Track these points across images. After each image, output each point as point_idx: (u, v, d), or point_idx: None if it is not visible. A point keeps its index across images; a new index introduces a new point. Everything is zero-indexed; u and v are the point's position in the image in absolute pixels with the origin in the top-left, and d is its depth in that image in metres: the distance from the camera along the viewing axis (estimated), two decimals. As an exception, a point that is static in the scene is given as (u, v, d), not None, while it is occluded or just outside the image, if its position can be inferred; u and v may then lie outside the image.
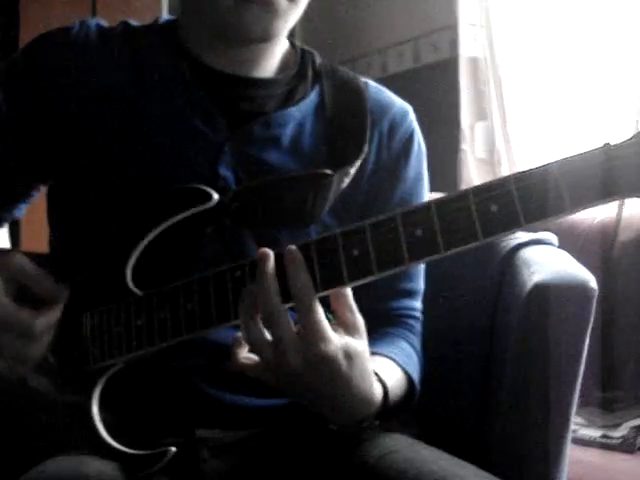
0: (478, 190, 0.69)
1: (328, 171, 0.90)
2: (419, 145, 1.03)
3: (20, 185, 1.05)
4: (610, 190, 0.65)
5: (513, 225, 0.68)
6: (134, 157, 0.93)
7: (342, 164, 0.93)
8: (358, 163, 0.94)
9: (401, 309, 1.01)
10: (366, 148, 0.95)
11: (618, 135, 0.66)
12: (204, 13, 0.92)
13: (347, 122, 0.97)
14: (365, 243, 0.72)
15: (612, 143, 0.65)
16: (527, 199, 0.67)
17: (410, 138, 1.02)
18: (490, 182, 0.69)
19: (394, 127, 1.01)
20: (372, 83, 1.04)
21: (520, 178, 0.68)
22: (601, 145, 0.66)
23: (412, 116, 1.04)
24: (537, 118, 2.55)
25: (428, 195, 1.05)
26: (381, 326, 0.97)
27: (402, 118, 1.02)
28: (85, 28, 0.98)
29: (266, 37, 0.91)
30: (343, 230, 0.74)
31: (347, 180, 0.93)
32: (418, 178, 1.03)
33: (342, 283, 0.74)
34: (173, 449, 0.82)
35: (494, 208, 0.68)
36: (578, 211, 0.66)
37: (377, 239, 0.72)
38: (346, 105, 0.99)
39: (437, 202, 0.71)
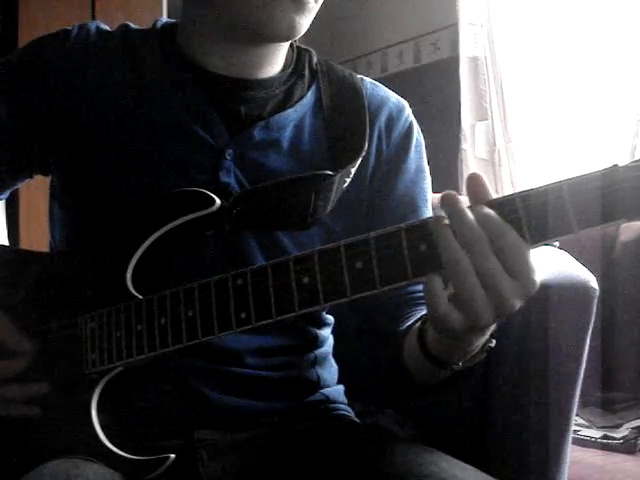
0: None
1: (329, 172, 0.90)
2: (418, 137, 1.02)
3: (9, 179, 1.05)
4: (616, 213, 0.64)
5: None
6: (134, 162, 0.92)
7: (343, 164, 0.92)
8: (359, 162, 0.94)
9: (419, 292, 0.99)
10: (366, 146, 0.95)
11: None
12: (223, 11, 0.89)
13: (346, 121, 0.97)
14: (369, 256, 0.71)
15: (619, 165, 0.64)
16: (534, 219, 0.66)
17: (408, 131, 1.01)
18: (498, 199, 0.68)
19: (392, 121, 1.00)
20: (367, 79, 1.04)
21: (526, 197, 0.67)
22: (608, 166, 0.65)
23: (408, 110, 1.03)
24: (537, 118, 2.55)
25: (430, 187, 1.04)
26: (407, 309, 0.95)
27: (399, 112, 1.01)
28: (84, 31, 0.97)
29: (292, 35, 0.89)
30: (347, 242, 0.72)
31: (348, 180, 0.93)
32: (419, 170, 1.02)
33: (345, 296, 0.72)
34: (172, 456, 0.82)
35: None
36: (582, 230, 0.66)
37: (380, 253, 0.70)
38: (344, 103, 0.98)
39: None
